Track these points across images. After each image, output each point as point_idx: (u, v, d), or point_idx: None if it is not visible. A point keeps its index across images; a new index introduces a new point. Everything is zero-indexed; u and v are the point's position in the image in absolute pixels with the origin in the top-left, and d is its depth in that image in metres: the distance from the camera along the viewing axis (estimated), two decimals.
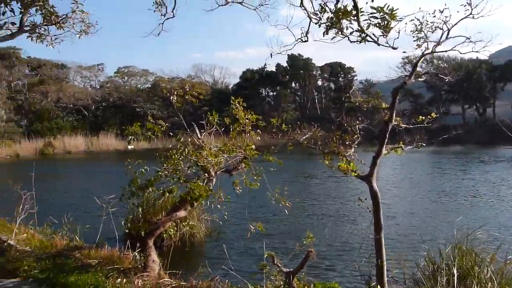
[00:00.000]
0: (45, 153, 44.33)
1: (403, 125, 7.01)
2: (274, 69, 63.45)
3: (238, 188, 7.32)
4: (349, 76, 64.98)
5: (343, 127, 8.93)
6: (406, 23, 6.14)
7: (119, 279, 6.05)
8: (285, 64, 63.80)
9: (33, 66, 61.29)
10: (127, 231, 7.53)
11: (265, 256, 5.97)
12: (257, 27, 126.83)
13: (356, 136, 7.74)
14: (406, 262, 7.61)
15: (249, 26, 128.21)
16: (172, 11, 7.64)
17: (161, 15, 7.85)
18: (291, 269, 5.74)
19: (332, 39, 6.47)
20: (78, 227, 8.92)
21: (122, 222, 8.98)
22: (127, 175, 7.00)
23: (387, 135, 6.50)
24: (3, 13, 7.02)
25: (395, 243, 10.35)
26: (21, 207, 8.59)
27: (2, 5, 6.99)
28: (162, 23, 7.88)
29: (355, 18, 5.89)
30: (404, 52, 6.73)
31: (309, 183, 21.16)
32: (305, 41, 6.52)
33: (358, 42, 6.44)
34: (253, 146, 7.48)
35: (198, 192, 6.48)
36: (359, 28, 6.11)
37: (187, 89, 7.91)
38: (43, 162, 36.31)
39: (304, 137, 7.92)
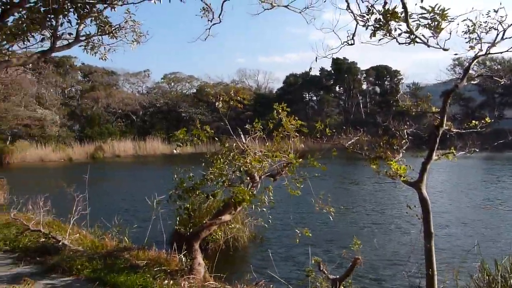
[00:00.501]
0: (95, 157, 46.24)
1: (454, 130, 6.74)
2: (317, 73, 63.06)
3: (269, 194, 7.32)
4: (395, 79, 63.31)
5: (390, 131, 8.71)
6: (458, 24, 5.90)
7: (166, 281, 6.19)
8: (329, 68, 63.26)
9: (85, 73, 64.46)
10: (176, 228, 7.66)
11: (311, 262, 5.91)
12: (299, 31, 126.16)
13: (404, 141, 7.53)
14: (459, 272, 7.27)
15: (291, 30, 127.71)
16: (219, 17, 7.77)
17: (208, 20, 8.02)
18: (338, 276, 5.65)
19: (379, 40, 6.34)
20: (127, 229, 9.22)
21: (176, 221, 9.18)
22: (174, 178, 7.17)
23: (438, 140, 6.27)
24: (61, 24, 7.41)
25: (446, 253, 9.93)
26: (74, 208, 9.00)
27: (61, 16, 7.37)
28: (209, 29, 8.04)
29: (404, 19, 5.73)
30: (455, 54, 6.46)
31: (354, 189, 20.75)
32: (351, 44, 6.42)
33: (407, 44, 6.26)
34: (291, 154, 7.46)
35: (241, 196, 6.53)
36: (408, 30, 5.95)
37: (233, 95, 8.01)
38: (94, 165, 37.96)
39: (349, 142, 7.80)
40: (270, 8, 8.89)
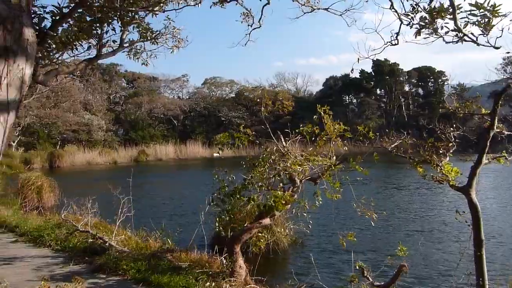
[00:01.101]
0: (139, 160, 47.52)
1: (506, 132, 6.41)
2: (358, 75, 62.01)
3: (318, 199, 7.23)
4: (440, 80, 61.15)
5: (434, 134, 8.40)
6: (510, 20, 5.61)
7: (208, 283, 6.24)
8: (369, 70, 62.04)
9: (129, 79, 66.70)
10: (217, 229, 7.73)
11: (354, 268, 5.77)
12: (337, 33, 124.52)
13: (451, 144, 7.25)
14: None
15: (329, 32, 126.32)
16: (259, 21, 7.79)
17: (248, 25, 8.07)
18: (382, 283, 5.48)
19: (424, 39, 6.13)
20: (170, 231, 9.39)
21: (216, 223, 9.29)
22: (214, 181, 7.23)
23: (488, 143, 5.98)
24: (106, 32, 7.68)
25: (498, 261, 9.43)
26: (119, 210, 9.28)
27: (105, 24, 7.65)
28: (249, 34, 8.09)
29: (451, 16, 5.51)
30: (508, 52, 6.15)
31: (398, 194, 20.16)
32: (395, 44, 6.24)
33: (454, 43, 6.01)
34: (333, 159, 7.34)
35: (281, 200, 6.48)
36: (456, 27, 5.71)
37: (278, 100, 8.02)
38: (137, 168, 39.08)
39: (392, 145, 7.59)
40: (310, 12, 8.83)
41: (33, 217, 11.86)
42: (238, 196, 6.78)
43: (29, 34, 2.20)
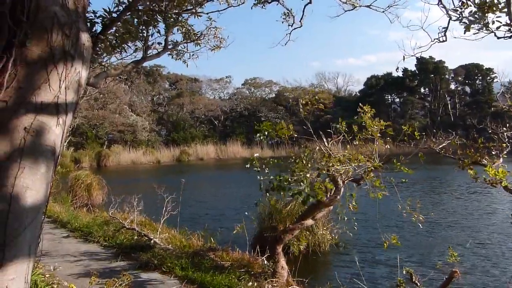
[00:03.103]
0: (181, 160, 48.54)
1: None
2: (400, 74, 60.31)
3: (353, 202, 7.09)
4: (488, 78, 58.31)
5: (484, 134, 8.02)
6: None
7: (250, 283, 6.26)
8: (413, 68, 60.21)
9: (172, 81, 68.23)
10: (261, 232, 7.75)
11: (401, 272, 5.60)
12: (374, 32, 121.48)
13: (504, 144, 6.91)
14: None
15: (367, 32, 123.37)
16: (300, 21, 7.74)
17: (289, 25, 8.03)
18: None
19: (474, 34, 5.86)
20: (212, 230, 9.51)
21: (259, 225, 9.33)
22: (262, 175, 7.18)
23: None
24: (152, 35, 7.89)
25: None
26: (164, 209, 9.50)
27: (151, 27, 7.86)
28: (289, 34, 8.05)
29: (506, 10, 5.23)
30: None
31: (446, 197, 19.40)
32: (443, 41, 6.00)
33: (507, 38, 5.72)
34: (376, 160, 7.16)
35: (321, 188, 6.37)
36: (509, 22, 5.42)
37: (311, 97, 7.91)
38: (180, 168, 39.94)
39: (440, 146, 7.34)
40: (352, 9, 8.67)
41: (83, 214, 12.39)
42: (286, 187, 6.66)
43: (85, 38, 2.28)
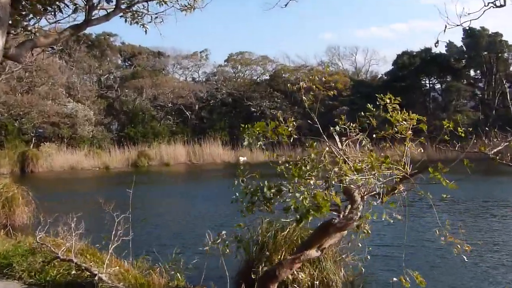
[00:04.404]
0: (138, 165, 48.36)
1: None
2: (443, 50, 60.74)
3: (364, 226, 7.15)
4: None
5: None
6: None
7: None
8: (459, 43, 60.68)
9: (126, 55, 67.84)
10: (248, 266, 7.78)
11: None
12: None
13: None
14: None
15: None
16: None
17: None
18: None
19: None
20: (181, 262, 9.48)
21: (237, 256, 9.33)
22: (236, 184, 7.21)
23: None
24: None
25: None
26: (113, 233, 9.45)
27: None
28: None
29: None
30: None
31: (500, 219, 19.59)
32: (501, 6, 6.08)
33: None
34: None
35: (326, 201, 6.35)
36: None
37: (319, 79, 7.90)
38: (137, 176, 39.59)
39: (495, 150, 7.41)
40: None
41: (0, 239, 12.25)
42: (269, 205, 6.70)
43: None
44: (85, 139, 50.99)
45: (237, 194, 7.00)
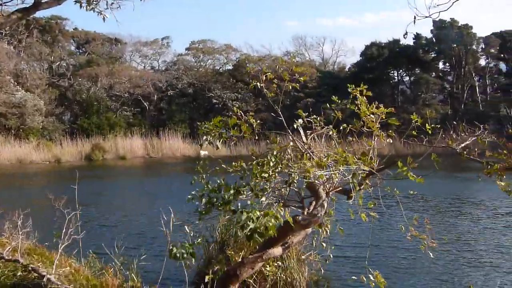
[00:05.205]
0: (92, 159, 47.81)
1: None
2: (411, 42, 61.68)
3: (325, 227, 7.22)
4: None
5: None
6: None
7: None
8: (429, 35, 61.73)
9: (80, 41, 66.66)
10: (208, 265, 7.77)
11: None
12: None
13: None
14: None
15: None
16: None
17: None
18: None
19: None
20: (135, 261, 9.40)
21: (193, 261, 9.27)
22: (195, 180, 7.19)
23: None
24: None
25: None
26: (64, 231, 9.27)
27: None
28: None
29: None
30: None
31: (467, 216, 20.06)
32: None
33: None
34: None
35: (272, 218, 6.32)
36: None
37: (281, 69, 7.90)
38: (90, 171, 39.18)
39: (462, 145, 7.55)
40: None
41: None
42: (227, 208, 6.69)
43: None
44: (35, 130, 49.96)
45: (194, 193, 6.95)
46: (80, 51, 67.23)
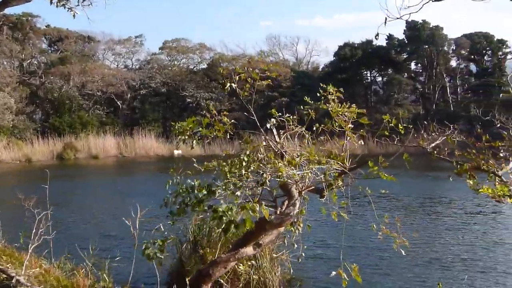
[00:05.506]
0: (64, 158, 47.29)
1: None
2: (384, 43, 62.25)
3: (298, 224, 7.26)
4: (500, 53, 61.77)
5: (493, 129, 8.50)
6: None
7: None
8: (401, 36, 62.36)
9: (52, 39, 65.72)
10: (181, 265, 7.74)
11: None
12: None
13: None
14: None
15: None
16: None
17: None
18: None
19: None
20: (107, 262, 9.32)
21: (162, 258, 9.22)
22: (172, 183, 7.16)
23: None
24: None
25: None
26: (34, 231, 9.14)
27: None
28: None
29: None
30: None
31: (437, 214, 20.36)
32: None
33: None
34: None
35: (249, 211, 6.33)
36: None
37: (254, 70, 7.91)
38: (62, 170, 38.72)
39: (433, 144, 7.65)
40: None
41: None
42: (200, 207, 6.68)
43: None
44: (5, 129, 49.10)
45: (167, 196, 6.93)
46: (52, 49, 66.29)
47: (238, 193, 6.56)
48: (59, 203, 17.94)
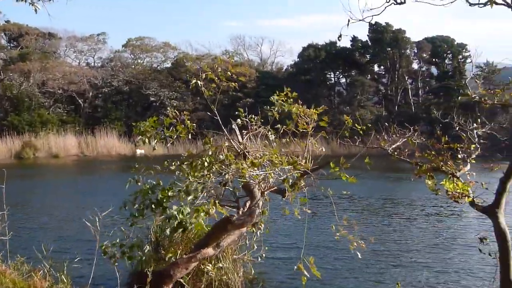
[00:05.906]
0: (23, 157, 46.41)
1: None
2: (348, 45, 62.88)
3: (260, 225, 7.28)
4: (460, 57, 63.13)
5: (452, 131, 8.68)
6: None
7: None
8: (365, 38, 63.12)
9: (12, 35, 64.41)
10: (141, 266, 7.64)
11: None
12: None
13: (473, 146, 7.48)
14: None
15: None
16: None
17: None
18: None
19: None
20: (65, 263, 9.17)
21: (126, 260, 9.14)
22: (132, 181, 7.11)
23: None
24: None
25: None
26: None
27: None
28: None
29: None
30: None
31: (397, 215, 20.67)
32: (402, 3, 6.36)
33: (482, 6, 6.24)
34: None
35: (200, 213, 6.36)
36: None
37: (220, 69, 7.90)
38: (19, 169, 37.97)
39: (393, 146, 7.76)
40: None
41: None
42: (161, 207, 6.67)
43: None
44: None
45: (127, 199, 6.89)
46: (12, 45, 64.96)
47: (191, 196, 6.56)
48: (17, 203, 17.60)
